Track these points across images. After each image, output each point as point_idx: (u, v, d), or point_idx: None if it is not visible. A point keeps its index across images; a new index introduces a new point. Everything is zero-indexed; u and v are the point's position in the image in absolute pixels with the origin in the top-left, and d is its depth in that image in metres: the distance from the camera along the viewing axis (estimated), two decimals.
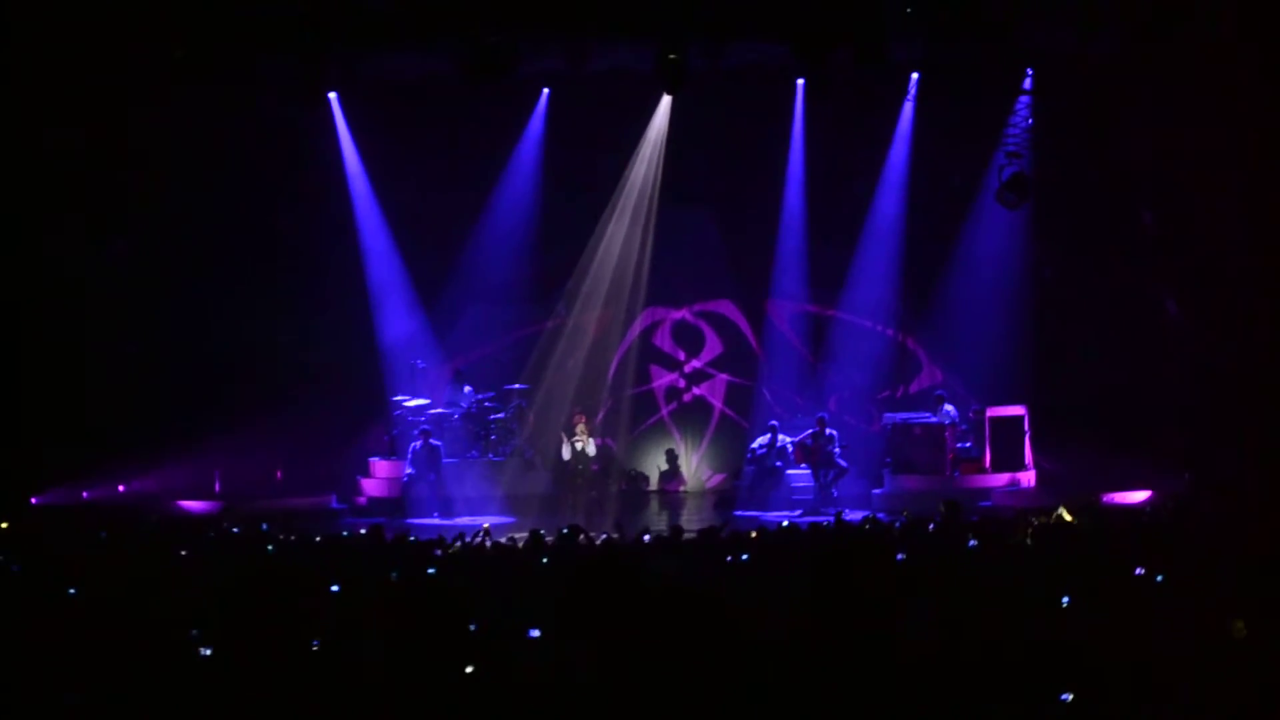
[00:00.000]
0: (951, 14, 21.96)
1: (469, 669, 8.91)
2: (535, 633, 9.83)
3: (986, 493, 22.78)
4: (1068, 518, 14.38)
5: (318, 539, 16.53)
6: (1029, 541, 14.65)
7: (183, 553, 14.57)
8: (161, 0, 20.74)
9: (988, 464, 23.34)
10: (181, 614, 10.35)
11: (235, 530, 17.54)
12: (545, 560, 13.93)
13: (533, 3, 21.50)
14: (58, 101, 21.91)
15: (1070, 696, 8.19)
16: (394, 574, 12.53)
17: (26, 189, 22.60)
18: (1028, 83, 24.18)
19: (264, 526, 17.53)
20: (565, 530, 15.55)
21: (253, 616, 10.28)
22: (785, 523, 16.50)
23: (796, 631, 9.37)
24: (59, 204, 22.81)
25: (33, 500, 22.23)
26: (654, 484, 26.10)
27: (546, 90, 25.35)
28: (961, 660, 8.79)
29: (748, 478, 24.13)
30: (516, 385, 24.96)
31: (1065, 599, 10.68)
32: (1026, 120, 23.88)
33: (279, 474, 24.47)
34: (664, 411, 27.12)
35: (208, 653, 9.21)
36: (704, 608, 9.87)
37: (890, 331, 26.41)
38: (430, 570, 12.45)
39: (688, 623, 9.55)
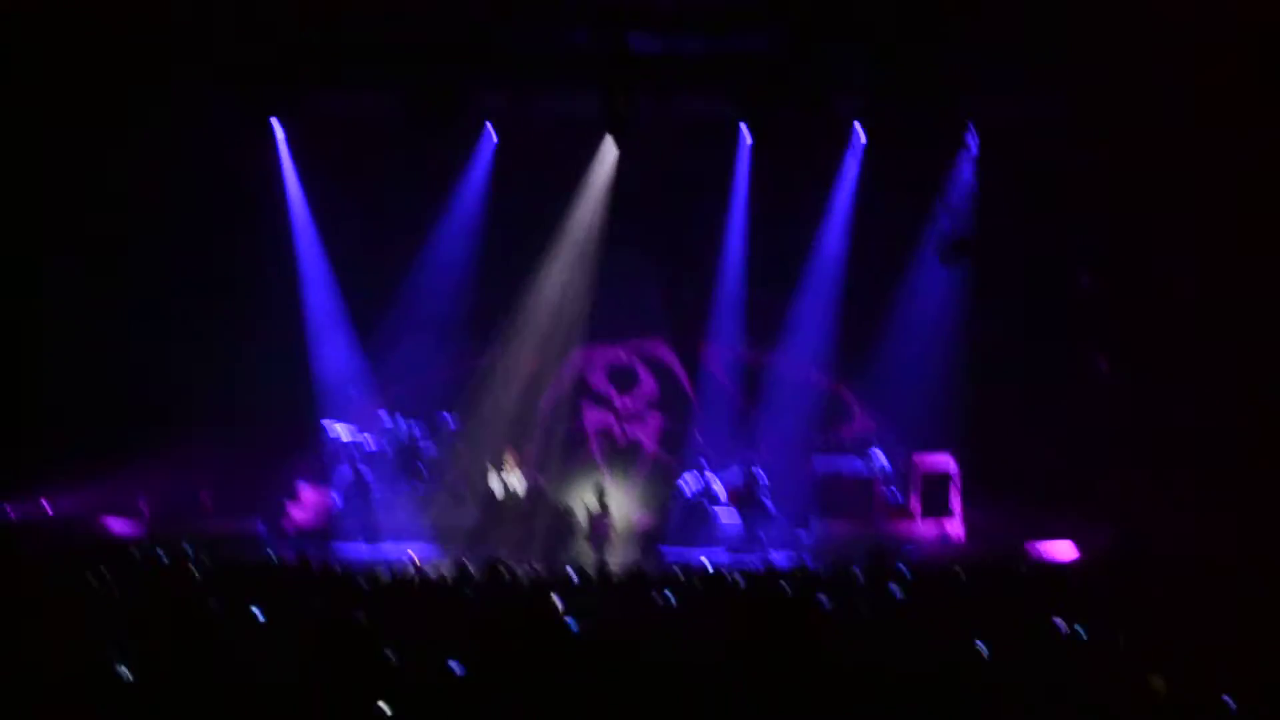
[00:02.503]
0: (895, 73, 22.19)
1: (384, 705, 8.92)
2: (457, 667, 9.81)
3: (913, 541, 22.85)
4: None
5: (244, 564, 16.45)
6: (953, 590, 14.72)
7: (104, 574, 14.44)
8: (112, 31, 20.75)
9: (916, 512, 23.42)
10: (103, 636, 10.30)
11: (159, 552, 17.39)
12: (469, 593, 13.92)
13: (479, 48, 21.57)
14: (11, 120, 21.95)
15: None
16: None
17: None
18: (970, 139, 24.34)
19: (188, 549, 17.38)
20: (489, 564, 15.52)
21: (173, 642, 10.26)
22: (710, 568, 16.49)
23: (718, 677, 9.42)
24: None
25: None
26: (582, 520, 26.03)
27: (491, 128, 25.35)
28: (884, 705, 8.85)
29: (676, 515, 24.15)
30: (448, 417, 24.90)
31: (984, 648, 10.74)
32: (968, 177, 24.07)
33: (206, 497, 24.26)
34: (595, 450, 27.07)
35: (127, 676, 9.16)
36: (624, 656, 9.92)
37: (824, 378, 26.45)
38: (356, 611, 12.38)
39: (607, 669, 9.59)
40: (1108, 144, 22.78)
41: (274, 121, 24.79)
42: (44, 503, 23.24)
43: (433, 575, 15.82)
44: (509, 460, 24.15)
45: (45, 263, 23.87)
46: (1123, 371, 23.88)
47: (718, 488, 23.90)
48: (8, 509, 22.79)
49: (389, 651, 10.13)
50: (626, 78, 22.13)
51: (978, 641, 10.72)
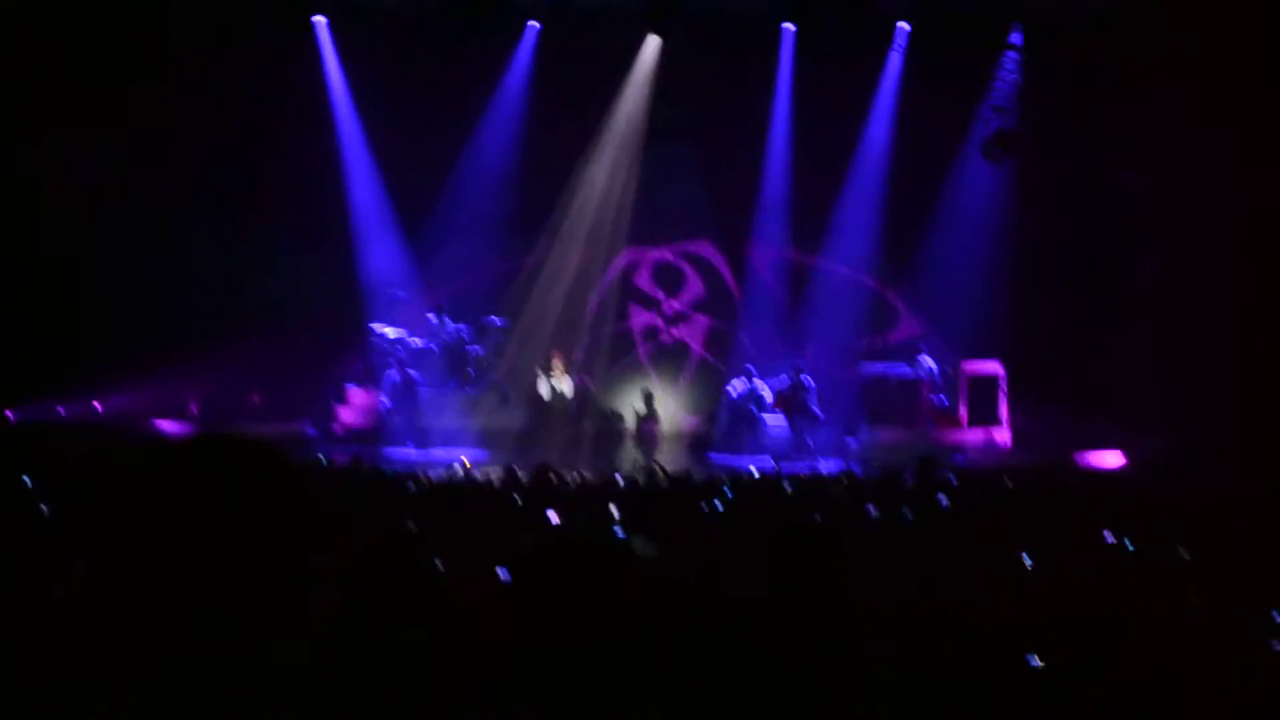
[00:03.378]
0: None
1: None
2: (504, 573, 9.87)
3: (961, 448, 22.85)
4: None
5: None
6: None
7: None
8: None
9: (963, 420, 23.41)
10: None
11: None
12: (519, 498, 13.95)
13: None
14: (48, 18, 21.90)
15: (1038, 661, 8.25)
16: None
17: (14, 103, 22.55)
18: (1016, 37, 24.15)
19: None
20: (537, 469, 15.55)
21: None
22: (758, 475, 16.50)
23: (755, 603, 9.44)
24: (38, 121, 22.74)
25: (7, 414, 22.22)
26: (630, 423, 26.09)
27: (534, 25, 25.22)
28: (926, 630, 8.87)
29: (723, 422, 24.19)
30: (495, 320, 24.95)
31: (1028, 560, 10.73)
32: (1014, 76, 23.87)
33: (255, 398, 24.40)
34: (642, 351, 27.11)
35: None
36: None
37: (870, 281, 26.40)
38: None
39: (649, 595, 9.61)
40: (1155, 38, 22.50)
41: (316, 20, 24.68)
42: (95, 404, 23.42)
43: (481, 480, 15.87)
44: (556, 363, 24.17)
45: (92, 167, 23.87)
46: (1169, 273, 23.71)
47: (765, 393, 23.90)
48: (59, 409, 22.97)
49: (437, 560, 10.18)
50: None
51: (1023, 554, 10.73)
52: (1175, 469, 18.25)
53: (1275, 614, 9.08)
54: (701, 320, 27.11)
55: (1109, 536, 11.77)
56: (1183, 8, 21.87)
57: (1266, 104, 21.36)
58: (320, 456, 18.25)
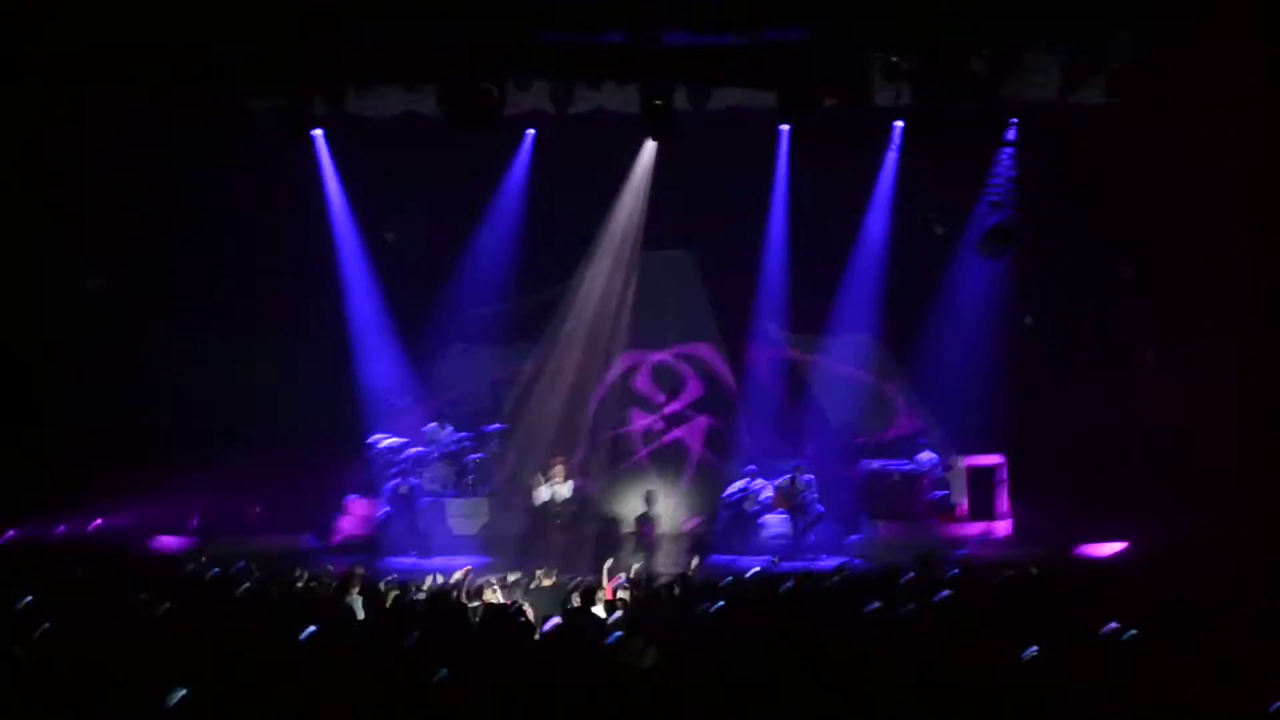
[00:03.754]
0: (936, 65, 22.11)
1: None
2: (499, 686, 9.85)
3: (962, 542, 22.81)
4: None
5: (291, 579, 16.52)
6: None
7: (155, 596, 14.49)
8: (149, 35, 20.79)
9: (964, 513, 23.37)
10: (157, 660, 10.37)
11: (213, 569, 17.44)
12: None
13: (518, 47, 21.56)
14: (40, 132, 22.01)
15: None
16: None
17: (9, 220, 22.65)
18: (1011, 133, 24.28)
19: (240, 565, 17.47)
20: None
21: (225, 664, 10.33)
22: (757, 569, 16.50)
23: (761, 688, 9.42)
24: (41, 239, 22.84)
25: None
26: (630, 526, 26.03)
27: (531, 132, 25.31)
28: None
29: (723, 522, 24.15)
30: (495, 426, 24.97)
31: (1033, 650, 10.72)
32: (1010, 170, 23.98)
33: (256, 511, 24.36)
34: (642, 454, 27.08)
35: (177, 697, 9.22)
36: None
37: (869, 377, 26.41)
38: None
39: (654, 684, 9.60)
40: (1148, 131, 22.64)
41: (315, 132, 24.82)
42: (95, 522, 23.39)
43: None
44: (556, 467, 24.15)
45: (92, 280, 23.98)
46: (1168, 364, 23.74)
47: (765, 493, 23.85)
48: (60, 527, 22.94)
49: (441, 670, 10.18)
50: (664, 76, 22.09)
51: (1028, 648, 10.72)
52: (1176, 559, 18.20)
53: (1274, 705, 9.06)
54: (701, 421, 27.08)
55: (1111, 628, 11.76)
56: (1177, 100, 21.99)
57: (1263, 190, 21.47)
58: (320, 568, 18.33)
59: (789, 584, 15.43)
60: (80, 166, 22.71)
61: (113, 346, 23.97)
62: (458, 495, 24.27)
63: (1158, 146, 22.51)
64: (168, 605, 13.89)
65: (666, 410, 27.19)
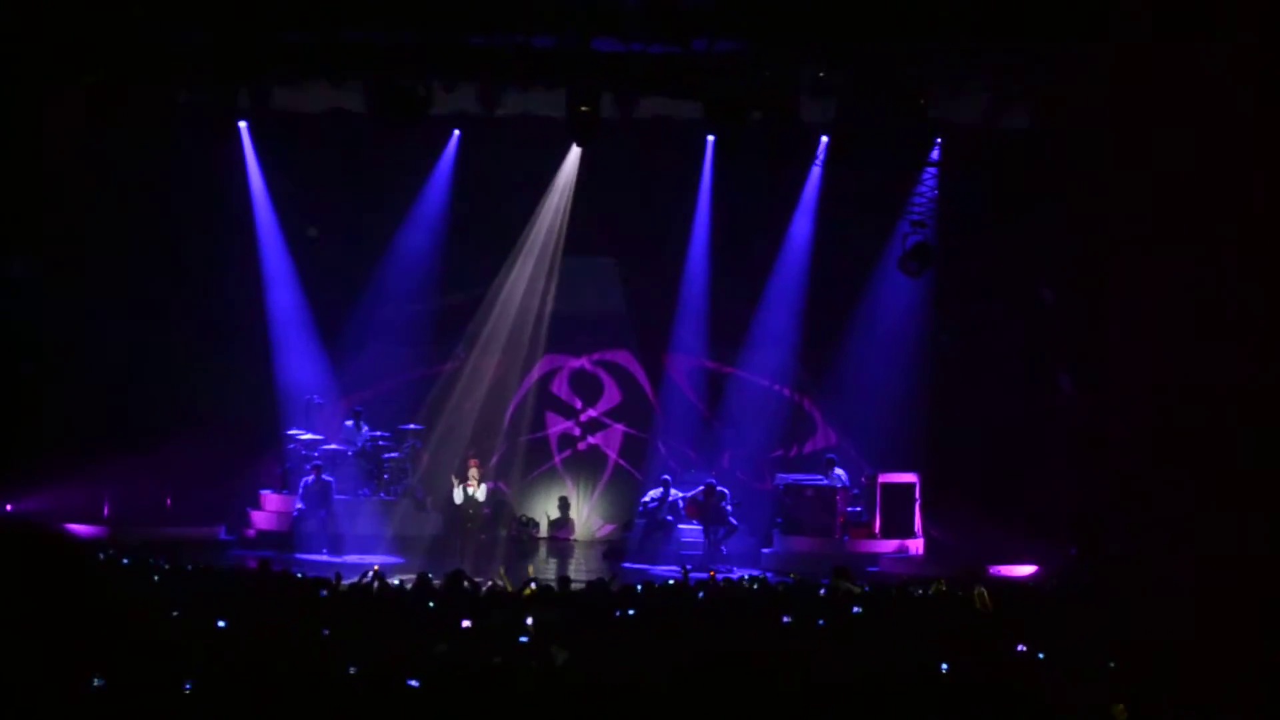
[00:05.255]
0: (863, 81, 22.22)
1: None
2: (414, 683, 9.80)
3: (875, 558, 22.91)
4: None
5: (202, 570, 16.40)
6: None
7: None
8: (75, 29, 20.63)
9: (877, 529, 23.48)
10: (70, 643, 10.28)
11: (122, 558, 17.32)
12: (431, 605, 13.91)
13: (446, 47, 21.50)
14: None
15: None
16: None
17: None
18: (935, 153, 24.43)
19: (152, 559, 17.34)
20: (449, 575, 15.52)
21: (137, 648, 10.25)
22: (671, 581, 16.53)
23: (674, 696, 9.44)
24: None
25: None
26: (544, 531, 26.04)
27: (457, 132, 25.28)
28: None
29: (638, 530, 24.15)
30: (412, 425, 24.91)
31: (944, 666, 10.78)
32: (933, 190, 24.11)
33: (168, 502, 24.20)
34: (558, 459, 27.08)
35: (98, 683, 9.15)
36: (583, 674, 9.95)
37: (787, 392, 26.52)
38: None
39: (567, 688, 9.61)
40: (1070, 152, 22.84)
41: (241, 125, 24.68)
42: (6, 506, 23.18)
43: (394, 585, 15.81)
44: (472, 469, 24.13)
45: (6, 264, 23.77)
46: (1084, 387, 23.92)
47: (680, 502, 23.88)
48: None
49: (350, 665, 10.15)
50: (591, 83, 22.09)
51: (938, 662, 10.79)
52: (1086, 580, 18.37)
53: None
54: (618, 429, 27.10)
55: (1021, 648, 11.84)
56: (1100, 124, 22.17)
57: (1183, 206, 21.66)
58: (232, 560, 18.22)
59: (702, 594, 15.47)
60: (4, 150, 22.50)
61: (30, 331, 23.78)
62: (372, 494, 24.16)
63: (1080, 170, 22.72)
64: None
65: (584, 416, 27.20)
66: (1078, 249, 23.58)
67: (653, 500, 23.97)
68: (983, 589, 11.01)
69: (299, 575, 15.96)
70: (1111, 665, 11.25)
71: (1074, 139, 22.79)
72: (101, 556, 17.07)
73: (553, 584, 15.85)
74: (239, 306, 24.97)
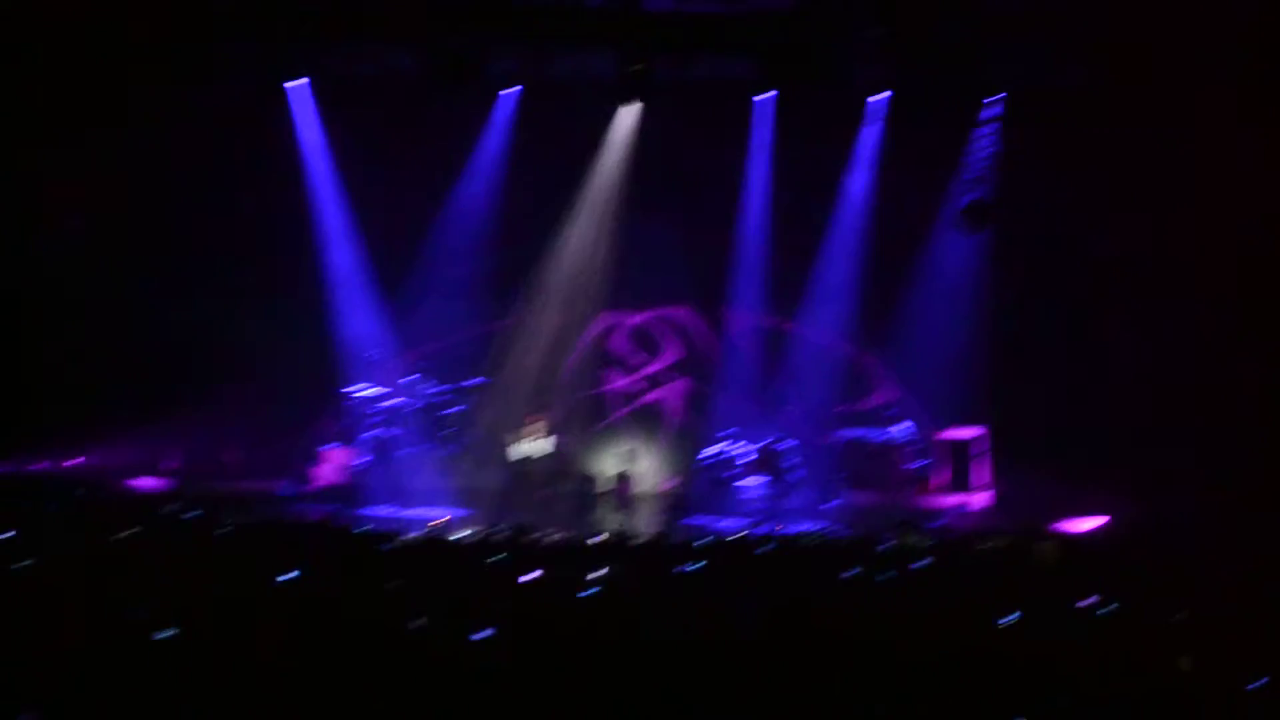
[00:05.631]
0: (918, 39, 22.07)
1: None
2: (482, 635, 9.79)
3: (939, 512, 22.82)
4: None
5: (265, 524, 16.45)
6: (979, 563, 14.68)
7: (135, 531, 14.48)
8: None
9: (941, 483, 23.39)
10: (134, 596, 10.32)
11: (186, 512, 17.40)
12: (493, 560, 13.90)
13: (498, 8, 21.46)
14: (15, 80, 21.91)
15: None
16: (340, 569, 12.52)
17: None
18: (994, 110, 24.26)
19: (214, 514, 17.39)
20: (513, 528, 15.53)
21: (203, 603, 10.28)
22: (733, 535, 16.47)
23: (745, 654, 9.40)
24: (12, 179, 22.72)
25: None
26: (606, 486, 26.04)
27: (512, 91, 25.24)
28: (911, 685, 8.82)
29: (700, 485, 24.12)
30: (472, 381, 24.94)
31: (1011, 617, 10.72)
32: (989, 147, 23.97)
33: (231, 457, 24.33)
34: (618, 414, 27.07)
35: (164, 636, 9.18)
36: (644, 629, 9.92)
37: (849, 346, 26.41)
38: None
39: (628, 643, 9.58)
40: (1128, 109, 22.65)
41: (295, 83, 24.69)
42: (70, 462, 23.36)
43: (455, 539, 15.81)
44: (534, 424, 24.16)
45: (72, 220, 23.91)
46: (1147, 339, 23.75)
47: (743, 456, 23.85)
48: (34, 467, 22.89)
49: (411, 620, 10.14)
50: (643, 40, 22.02)
51: (1005, 617, 10.72)
52: (1155, 534, 18.22)
53: (1259, 680, 9.04)
54: (679, 384, 27.07)
55: (1088, 602, 11.75)
56: (1158, 77, 21.98)
57: (1241, 170, 21.46)
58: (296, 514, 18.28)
59: (769, 547, 15.42)
60: (67, 109, 22.56)
61: (90, 289, 23.92)
62: (433, 448, 24.22)
63: (1140, 126, 22.53)
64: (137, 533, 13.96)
65: (644, 372, 27.18)
66: (1136, 204, 23.36)
67: (714, 455, 23.93)
68: (1049, 543, 10.93)
69: (361, 530, 15.98)
70: (1179, 618, 11.16)
71: (1132, 93, 22.58)
72: (165, 511, 17.13)
73: (614, 539, 15.83)
74: (297, 263, 25.04)
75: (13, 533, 13.48)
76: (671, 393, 27.07)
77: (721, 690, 9.01)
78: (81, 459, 23.43)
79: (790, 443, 23.75)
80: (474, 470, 24.29)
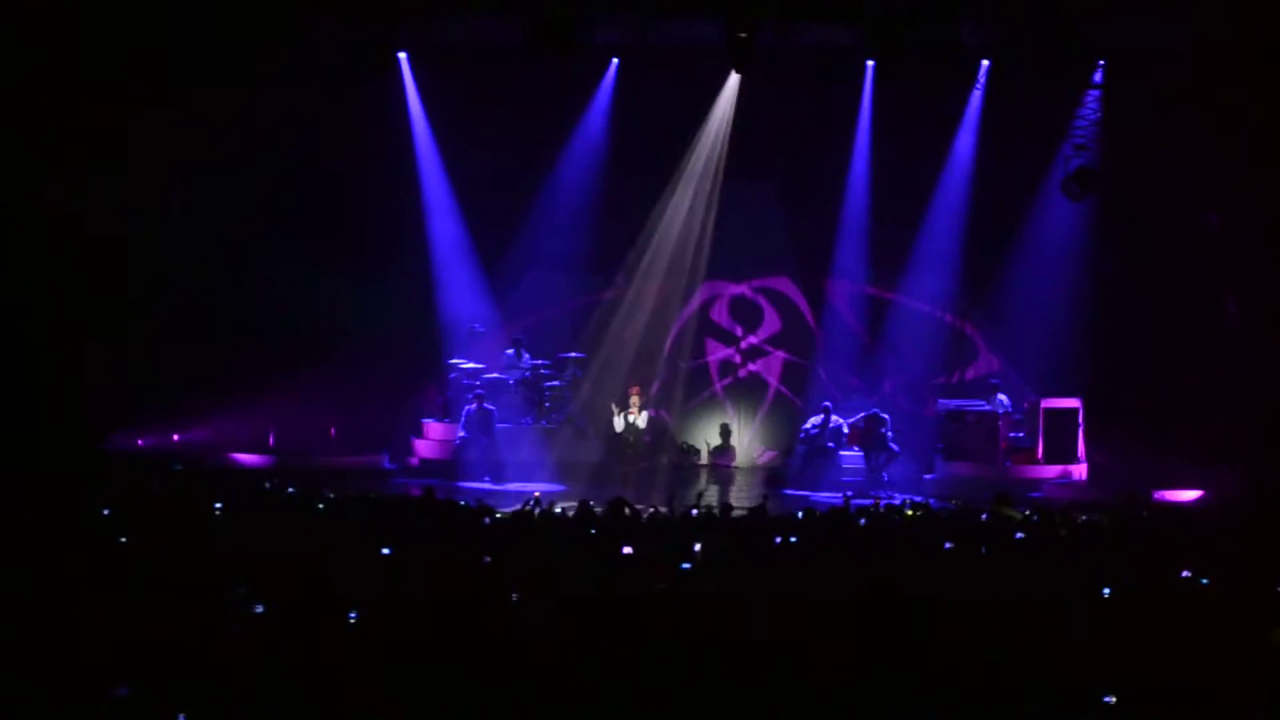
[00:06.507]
0: (1024, 4, 21.92)
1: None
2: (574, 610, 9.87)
3: (1037, 484, 22.71)
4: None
5: (366, 498, 16.59)
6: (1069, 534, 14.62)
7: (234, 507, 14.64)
8: None
9: (1040, 455, 23.27)
10: (233, 570, 10.47)
11: (288, 487, 17.56)
12: (593, 532, 13.98)
13: None
14: (121, 59, 22.09)
15: (1113, 699, 8.19)
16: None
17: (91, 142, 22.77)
18: (1098, 75, 24.08)
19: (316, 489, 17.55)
20: (612, 501, 15.58)
21: (303, 576, 10.42)
22: (832, 507, 16.47)
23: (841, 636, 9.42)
24: (120, 158, 22.93)
25: (99, 446, 22.36)
26: (705, 458, 26.10)
27: (615, 60, 25.29)
28: (1002, 658, 8.82)
29: (799, 457, 24.13)
30: (573, 354, 25.03)
31: (1106, 591, 10.70)
32: (1095, 113, 23.79)
33: (333, 431, 24.56)
34: (718, 386, 27.11)
35: (260, 609, 9.31)
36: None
37: (948, 317, 26.33)
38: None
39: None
40: (1236, 76, 22.37)
41: (400, 56, 24.82)
42: (175, 436, 23.65)
43: (556, 512, 15.89)
44: (633, 397, 24.20)
45: (177, 197, 24.15)
46: (1252, 313, 23.52)
47: (842, 429, 23.82)
48: (139, 441, 23.19)
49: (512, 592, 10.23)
50: (748, 9, 21.98)
51: (1101, 587, 10.71)
52: (1252, 505, 18.10)
53: None
54: (779, 356, 27.07)
55: (1185, 574, 11.70)
56: (1264, 39, 21.72)
57: None
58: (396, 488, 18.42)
59: (863, 521, 15.42)
60: (166, 84, 22.75)
61: (197, 265, 24.18)
62: (534, 421, 24.34)
63: (1247, 92, 22.26)
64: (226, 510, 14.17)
65: (744, 343, 27.19)
66: (1243, 171, 23.08)
67: (814, 427, 23.92)
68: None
69: (462, 503, 16.07)
70: (1278, 590, 11.08)
71: (1238, 58, 22.30)
72: (267, 486, 17.31)
73: (714, 511, 15.87)
74: (401, 237, 25.26)
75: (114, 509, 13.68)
76: (770, 365, 27.06)
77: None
78: (186, 434, 23.74)
79: (886, 416, 23.70)
80: (574, 443, 24.37)
